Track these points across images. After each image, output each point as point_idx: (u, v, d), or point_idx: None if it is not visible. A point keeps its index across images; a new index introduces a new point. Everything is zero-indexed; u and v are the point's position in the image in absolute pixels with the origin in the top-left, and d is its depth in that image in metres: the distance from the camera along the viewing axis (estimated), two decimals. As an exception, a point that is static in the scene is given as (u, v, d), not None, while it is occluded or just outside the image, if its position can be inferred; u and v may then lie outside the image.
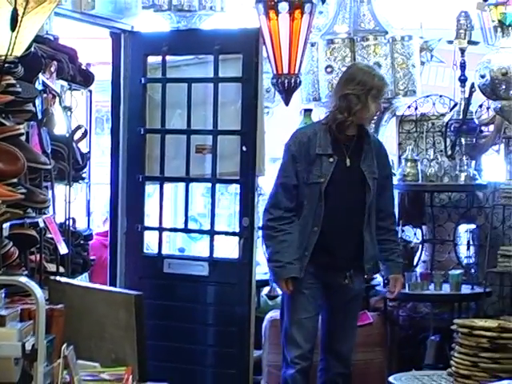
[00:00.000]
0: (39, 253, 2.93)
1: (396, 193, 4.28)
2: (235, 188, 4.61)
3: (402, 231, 4.34)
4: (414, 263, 4.37)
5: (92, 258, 3.74)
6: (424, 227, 4.46)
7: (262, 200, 4.02)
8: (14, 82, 2.63)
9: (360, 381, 3.84)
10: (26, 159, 2.54)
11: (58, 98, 3.31)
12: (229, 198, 5.69)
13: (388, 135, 4.64)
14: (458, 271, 4.22)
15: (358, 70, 3.46)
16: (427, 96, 4.59)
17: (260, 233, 3.67)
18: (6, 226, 2.58)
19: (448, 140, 4.41)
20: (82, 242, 3.61)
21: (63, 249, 3.06)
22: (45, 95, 3.11)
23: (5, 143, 2.53)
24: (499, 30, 4.12)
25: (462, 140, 4.35)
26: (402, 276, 3.57)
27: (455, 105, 4.43)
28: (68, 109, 3.46)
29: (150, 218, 4.39)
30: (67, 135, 3.38)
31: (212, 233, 4.13)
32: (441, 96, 4.59)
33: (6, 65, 2.55)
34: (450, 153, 4.37)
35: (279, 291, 3.86)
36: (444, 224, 4.43)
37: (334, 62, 4.34)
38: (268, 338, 4.08)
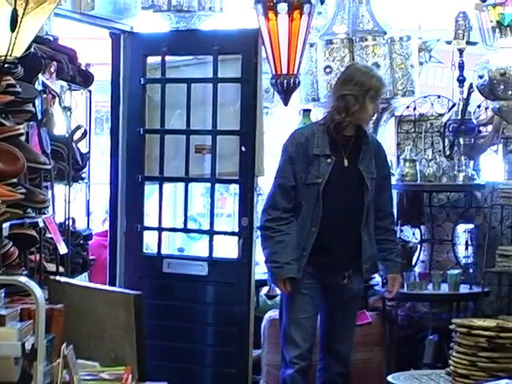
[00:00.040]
0: (39, 253, 2.93)
1: (394, 193, 4.28)
2: (234, 188, 4.62)
3: (401, 231, 4.35)
4: (413, 263, 4.37)
5: (92, 257, 3.75)
6: (422, 227, 4.47)
7: (261, 200, 4.02)
8: (13, 82, 2.64)
9: (359, 380, 3.84)
10: (26, 159, 2.55)
11: (57, 99, 3.32)
12: (228, 197, 5.69)
13: (386, 135, 4.65)
14: (457, 271, 4.22)
15: (355, 70, 3.46)
16: (426, 96, 4.59)
17: (259, 233, 3.68)
18: (5, 225, 2.58)
19: (446, 140, 4.42)
20: (81, 241, 3.61)
21: (63, 249, 3.07)
22: (44, 95, 3.12)
23: (5, 143, 2.54)
24: (497, 30, 4.12)
25: (461, 140, 4.36)
26: (400, 276, 3.58)
27: (453, 105, 4.44)
28: (68, 109, 3.46)
29: (150, 218, 4.40)
30: (67, 135, 3.38)
31: (211, 233, 4.14)
32: (439, 96, 4.60)
33: (6, 65, 2.55)
34: (448, 153, 4.38)
35: (278, 291, 3.87)
36: (442, 224, 4.44)
37: (333, 63, 4.35)
38: (267, 338, 4.08)
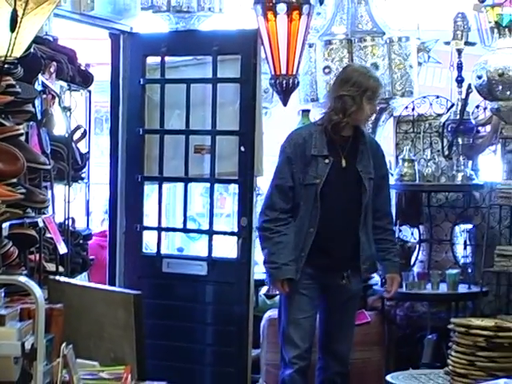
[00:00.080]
0: (39, 252, 2.93)
1: (393, 193, 4.29)
2: (234, 188, 4.63)
3: (400, 231, 4.35)
4: (412, 263, 4.38)
5: (91, 257, 3.76)
6: (421, 227, 4.47)
7: (260, 200, 4.03)
8: (13, 82, 2.65)
9: (358, 379, 3.85)
10: (26, 159, 2.56)
11: (57, 99, 3.33)
12: (227, 197, 5.70)
13: (385, 135, 4.66)
14: (455, 271, 4.23)
15: (353, 71, 3.45)
16: (424, 97, 4.60)
17: (258, 233, 3.68)
18: (5, 225, 2.59)
19: (445, 140, 4.43)
20: (81, 241, 3.62)
21: (62, 248, 3.08)
22: (44, 96, 3.13)
23: (4, 143, 2.54)
24: (496, 31, 4.13)
25: (459, 140, 4.36)
26: (398, 275, 3.57)
27: (452, 105, 4.45)
28: (67, 109, 3.47)
29: (149, 218, 4.41)
30: (66, 135, 3.39)
31: (210, 232, 4.15)
32: (438, 97, 4.60)
33: (6, 65, 2.56)
34: (447, 153, 4.39)
35: (277, 291, 3.87)
36: (441, 224, 4.44)
37: (332, 63, 4.36)
38: (266, 337, 4.09)
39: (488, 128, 4.47)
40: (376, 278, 4.12)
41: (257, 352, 4.15)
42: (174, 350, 4.05)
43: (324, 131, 3.39)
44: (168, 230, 4.85)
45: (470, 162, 4.33)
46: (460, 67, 4.38)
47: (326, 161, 3.36)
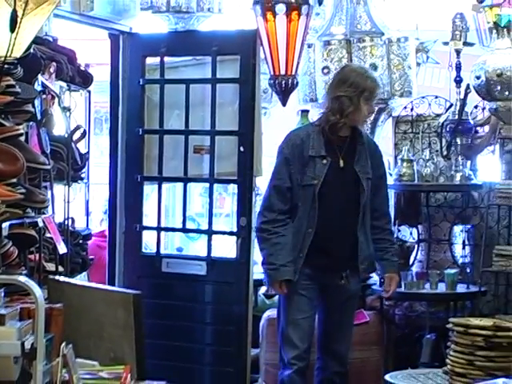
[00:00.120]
0: (38, 252, 2.94)
1: (392, 193, 4.31)
2: (233, 188, 4.64)
3: (398, 231, 4.37)
4: (410, 262, 4.38)
5: (91, 257, 3.76)
6: (420, 227, 4.48)
7: (260, 200, 4.04)
8: (13, 82, 2.65)
9: (357, 379, 3.86)
10: (26, 159, 2.56)
11: (57, 99, 3.33)
12: (226, 197, 5.71)
13: (384, 136, 4.66)
14: (454, 270, 4.24)
15: (350, 71, 3.45)
16: (423, 97, 4.61)
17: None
18: (5, 225, 2.60)
19: (444, 140, 4.44)
20: (80, 241, 3.63)
21: (62, 248, 3.08)
22: (44, 96, 3.14)
23: (4, 143, 2.55)
24: (494, 31, 4.14)
25: (458, 140, 4.37)
26: (397, 275, 3.56)
27: (451, 105, 4.46)
28: (67, 109, 3.48)
29: (149, 218, 4.42)
30: (66, 136, 3.40)
31: (210, 232, 4.16)
32: (436, 97, 4.61)
33: (6, 66, 2.57)
34: (445, 153, 4.40)
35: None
36: (440, 224, 4.45)
37: (331, 63, 4.36)
38: (265, 337, 4.10)
39: (486, 128, 4.48)
40: (375, 278, 4.13)
41: (256, 352, 4.16)
42: (173, 349, 4.06)
43: (321, 132, 3.39)
44: (167, 229, 4.86)
45: (469, 162, 4.34)
46: (458, 67, 4.39)
47: (324, 161, 3.35)
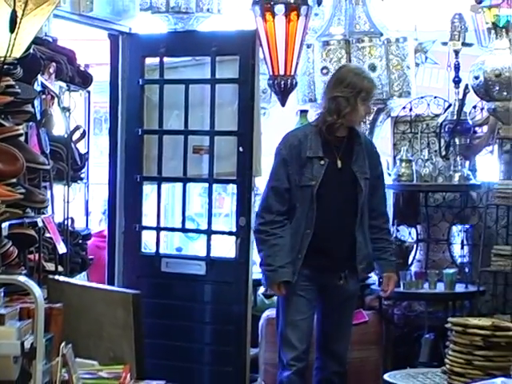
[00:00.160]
0: (38, 252, 2.95)
1: (391, 193, 4.32)
2: (232, 188, 4.65)
3: (397, 231, 4.38)
4: (409, 262, 4.39)
5: (90, 257, 3.77)
6: (419, 227, 4.48)
7: (259, 200, 4.05)
8: (13, 83, 2.66)
9: (355, 378, 3.86)
10: (25, 159, 2.57)
11: (56, 99, 3.34)
12: (226, 197, 5.72)
13: (383, 136, 4.67)
14: (452, 270, 4.24)
15: (347, 71, 3.44)
16: (422, 97, 4.61)
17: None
18: (5, 225, 2.60)
19: (442, 140, 4.44)
20: (80, 241, 3.64)
21: (62, 248, 3.09)
22: (44, 96, 3.14)
23: (4, 144, 2.55)
24: (493, 31, 4.15)
25: (456, 140, 4.38)
26: (395, 274, 3.56)
27: (449, 106, 4.46)
28: (67, 110, 3.49)
29: (148, 218, 4.42)
30: (66, 136, 3.40)
31: (209, 232, 4.17)
32: (435, 97, 4.61)
33: (5, 66, 2.57)
34: (444, 153, 4.40)
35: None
36: (438, 224, 4.46)
37: (330, 64, 4.37)
38: (264, 336, 4.11)
39: (485, 128, 4.49)
40: (374, 278, 4.14)
41: (255, 351, 4.16)
42: (172, 349, 4.07)
43: (319, 132, 3.38)
44: (167, 229, 4.87)
45: (467, 163, 4.35)
46: (457, 68, 4.39)
47: (322, 162, 3.35)
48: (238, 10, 4.65)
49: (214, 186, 4.29)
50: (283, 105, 4.07)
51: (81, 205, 3.86)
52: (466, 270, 4.36)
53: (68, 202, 3.38)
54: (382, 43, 4.41)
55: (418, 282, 4.20)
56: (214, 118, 4.06)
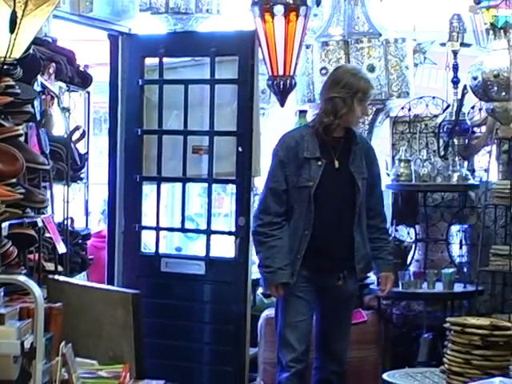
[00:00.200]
0: (38, 252, 2.95)
1: (390, 193, 4.33)
2: (231, 188, 4.66)
3: (396, 231, 4.38)
4: (408, 262, 4.40)
5: (90, 257, 3.78)
6: (417, 227, 4.49)
7: (258, 200, 4.06)
8: (12, 83, 2.67)
9: (354, 378, 3.87)
10: (25, 160, 2.58)
11: (56, 100, 3.35)
12: (225, 197, 5.72)
13: (382, 136, 4.68)
14: (451, 270, 4.25)
15: (343, 72, 3.42)
16: (420, 97, 4.62)
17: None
18: (5, 225, 2.61)
19: (441, 141, 4.45)
20: (80, 241, 3.64)
21: (61, 248, 3.10)
22: (43, 96, 3.15)
23: (4, 144, 2.56)
24: (491, 32, 4.15)
25: (455, 141, 4.39)
26: (392, 274, 3.56)
27: (448, 106, 4.48)
28: (66, 110, 3.49)
29: (148, 218, 4.43)
30: (65, 136, 3.41)
31: (208, 232, 4.17)
32: (434, 97, 4.63)
33: (5, 66, 2.58)
34: (442, 153, 4.41)
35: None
36: (437, 223, 4.47)
37: (329, 64, 4.38)
38: (264, 336, 4.11)
39: (483, 129, 4.49)
40: (372, 278, 4.14)
41: (254, 351, 4.17)
42: (172, 348, 4.07)
43: (316, 133, 3.38)
44: (166, 229, 4.87)
45: (466, 163, 4.36)
46: (456, 68, 4.40)
47: (319, 163, 3.34)
48: (237, 11, 4.66)
49: (214, 186, 4.30)
50: (282, 105, 4.08)
51: (80, 205, 3.87)
52: (465, 269, 4.37)
53: (68, 201, 3.39)
54: (380, 44, 4.42)
55: (417, 282, 4.21)
56: (214, 118, 4.07)
